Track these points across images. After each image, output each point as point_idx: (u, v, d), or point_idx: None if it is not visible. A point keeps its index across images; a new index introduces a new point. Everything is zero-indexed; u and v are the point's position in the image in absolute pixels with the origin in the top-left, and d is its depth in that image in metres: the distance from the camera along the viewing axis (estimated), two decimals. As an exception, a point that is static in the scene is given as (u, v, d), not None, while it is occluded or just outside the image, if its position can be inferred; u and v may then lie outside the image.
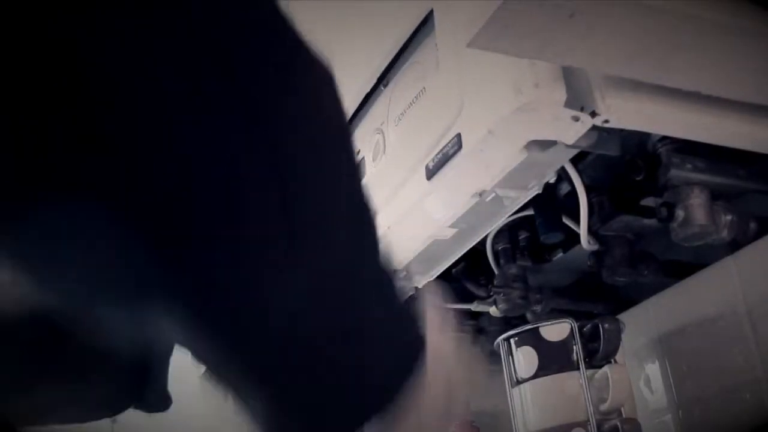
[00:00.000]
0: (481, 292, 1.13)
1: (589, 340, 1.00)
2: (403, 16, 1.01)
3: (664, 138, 0.87)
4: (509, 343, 1.05)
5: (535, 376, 1.01)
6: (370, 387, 0.44)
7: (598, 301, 1.16)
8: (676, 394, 1.09)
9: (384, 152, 1.05)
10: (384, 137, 1.05)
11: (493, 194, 0.90)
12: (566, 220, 0.96)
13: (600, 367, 0.98)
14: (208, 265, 0.37)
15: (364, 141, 1.11)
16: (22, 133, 0.33)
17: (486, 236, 1.03)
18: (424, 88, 0.97)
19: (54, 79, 0.33)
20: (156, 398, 0.55)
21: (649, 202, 0.91)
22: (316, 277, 0.40)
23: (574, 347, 0.99)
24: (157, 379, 0.54)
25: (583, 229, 0.93)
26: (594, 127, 0.75)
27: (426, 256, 1.04)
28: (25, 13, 0.32)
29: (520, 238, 1.06)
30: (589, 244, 0.95)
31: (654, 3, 0.59)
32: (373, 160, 1.08)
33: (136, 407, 0.54)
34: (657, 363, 1.12)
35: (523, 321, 1.09)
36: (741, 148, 0.81)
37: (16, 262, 0.37)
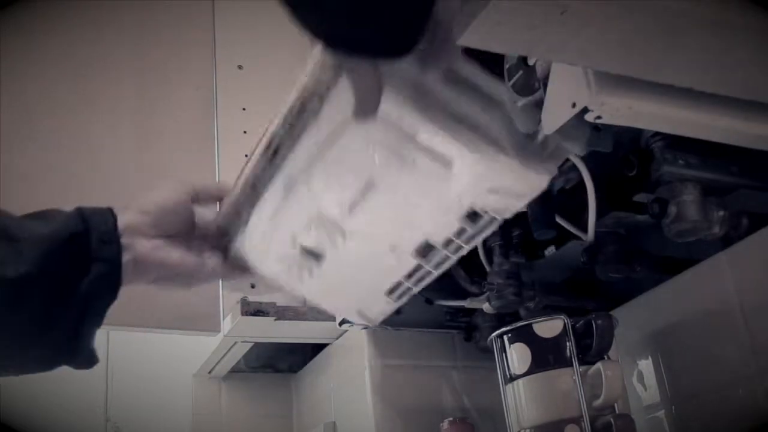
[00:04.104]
0: (474, 289, 1.13)
1: (582, 336, 1.00)
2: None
3: (656, 134, 0.87)
4: (502, 340, 1.04)
5: (528, 373, 1.01)
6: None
7: (591, 298, 1.16)
8: (669, 390, 1.09)
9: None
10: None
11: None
12: (558, 219, 0.96)
13: (593, 363, 0.98)
14: None
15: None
16: None
17: (479, 233, 1.03)
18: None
19: None
20: (84, 358, 0.64)
21: (641, 198, 0.91)
22: None
23: (568, 343, 0.99)
24: (87, 342, 0.64)
25: (591, 221, 0.93)
26: (586, 123, 0.75)
27: (419, 253, 1.03)
28: None
29: (513, 234, 1.06)
30: (586, 237, 0.95)
31: (646, 0, 0.59)
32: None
33: (68, 364, 0.64)
34: (650, 359, 1.12)
35: (516, 317, 1.09)
36: (733, 144, 0.81)
37: None
